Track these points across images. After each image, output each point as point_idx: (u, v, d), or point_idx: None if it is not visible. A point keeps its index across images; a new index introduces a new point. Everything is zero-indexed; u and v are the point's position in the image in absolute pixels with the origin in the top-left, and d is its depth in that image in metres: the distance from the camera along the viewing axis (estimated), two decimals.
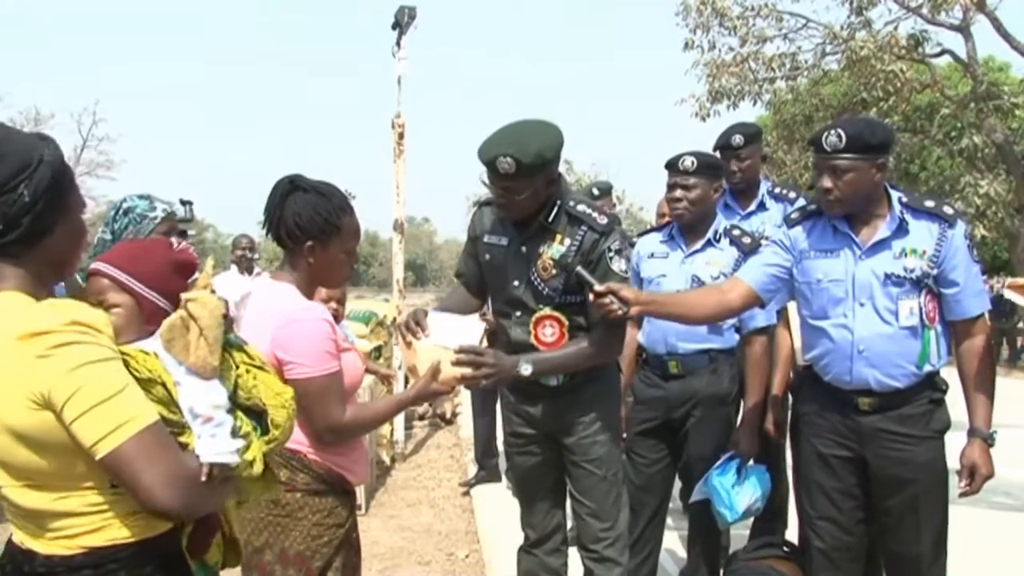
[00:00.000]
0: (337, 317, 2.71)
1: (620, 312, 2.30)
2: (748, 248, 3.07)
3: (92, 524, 1.31)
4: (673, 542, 4.24)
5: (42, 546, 1.32)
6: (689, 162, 3.05)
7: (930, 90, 13.81)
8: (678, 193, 3.07)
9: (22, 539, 1.34)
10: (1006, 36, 12.37)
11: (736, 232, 3.15)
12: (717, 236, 3.12)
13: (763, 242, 2.91)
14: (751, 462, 3.04)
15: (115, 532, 1.33)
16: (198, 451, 1.37)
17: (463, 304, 2.74)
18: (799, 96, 14.80)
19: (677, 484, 3.32)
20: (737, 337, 3.14)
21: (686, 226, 3.14)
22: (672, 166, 3.11)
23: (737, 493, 2.92)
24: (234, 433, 1.43)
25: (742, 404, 3.14)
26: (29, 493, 1.29)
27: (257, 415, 1.51)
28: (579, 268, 2.38)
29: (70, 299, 1.37)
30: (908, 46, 12.77)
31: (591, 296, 2.34)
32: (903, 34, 12.93)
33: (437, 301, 5.77)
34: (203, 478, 1.35)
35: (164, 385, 1.39)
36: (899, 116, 13.93)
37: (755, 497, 2.97)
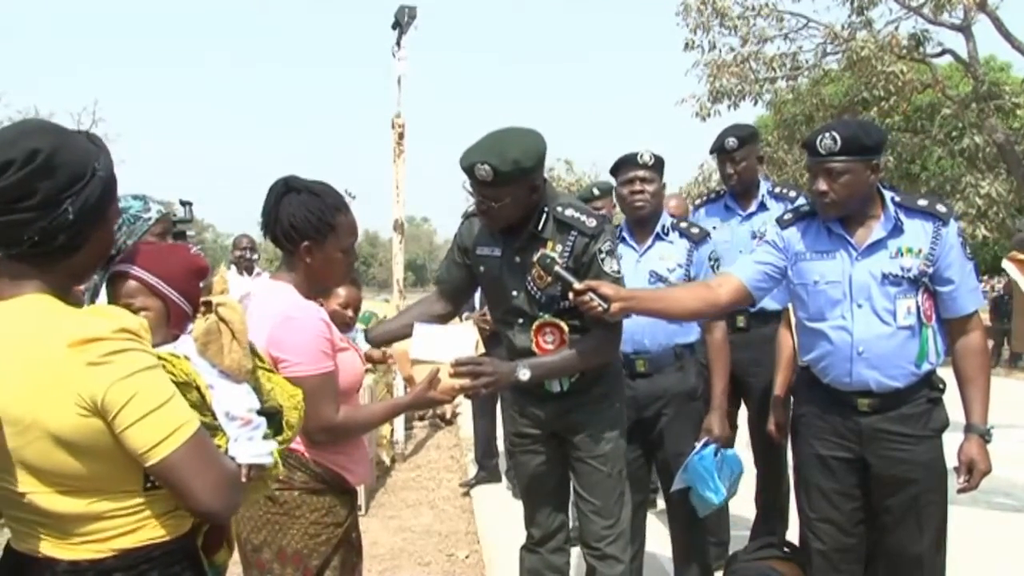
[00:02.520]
0: (349, 324, 2.70)
1: (600, 309, 2.30)
2: (697, 238, 3.16)
3: (126, 526, 1.31)
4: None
5: (66, 552, 1.29)
6: (648, 156, 3.11)
7: (931, 90, 13.82)
8: (638, 186, 3.12)
9: (37, 547, 1.31)
10: (1007, 36, 12.37)
11: (684, 224, 3.22)
12: (665, 230, 3.18)
13: (756, 243, 2.92)
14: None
15: (149, 533, 1.32)
16: (234, 453, 1.40)
17: (423, 318, 2.72)
18: (800, 96, 14.82)
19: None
20: (699, 330, 3.17)
21: (636, 224, 3.20)
22: (631, 161, 3.15)
23: (720, 476, 2.94)
24: (266, 435, 1.48)
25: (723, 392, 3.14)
26: (60, 498, 1.27)
27: (268, 416, 1.54)
28: (558, 268, 2.38)
29: (107, 305, 1.37)
30: (909, 46, 12.79)
31: (571, 295, 2.34)
32: (904, 34, 12.96)
33: None
34: (243, 479, 1.38)
35: (198, 389, 1.41)
36: (900, 116, 13.95)
37: (732, 479, 3.00)
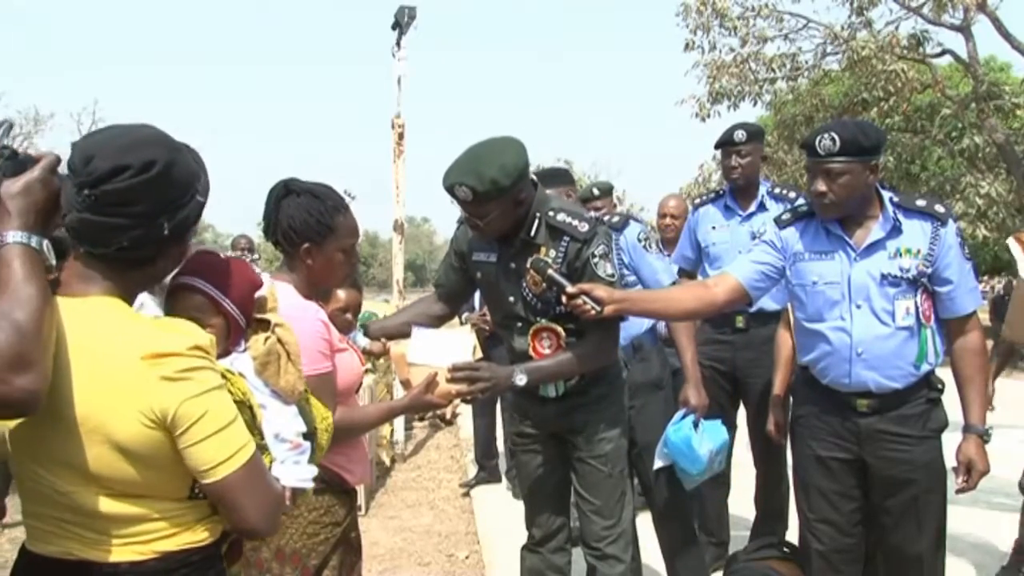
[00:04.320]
0: (348, 327, 2.71)
1: (593, 312, 2.31)
2: (618, 225, 3.15)
3: (167, 529, 1.31)
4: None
5: (104, 553, 1.29)
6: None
7: (931, 90, 13.80)
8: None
9: (70, 548, 1.29)
10: (1007, 36, 12.37)
11: (606, 218, 3.22)
12: None
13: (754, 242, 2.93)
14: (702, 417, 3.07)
15: (189, 537, 1.33)
16: (279, 475, 1.42)
17: (420, 318, 2.75)
18: (800, 96, 14.80)
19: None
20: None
21: None
22: None
23: (698, 445, 2.95)
24: (310, 459, 1.50)
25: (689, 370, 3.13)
26: (106, 500, 1.28)
27: (309, 438, 1.57)
28: (550, 271, 2.38)
29: (177, 318, 1.37)
30: (909, 46, 12.77)
31: (564, 298, 2.35)
32: (904, 34, 12.93)
33: None
34: (287, 502, 1.40)
35: (251, 409, 1.42)
36: (900, 116, 13.92)
37: (713, 449, 3.00)
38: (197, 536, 1.34)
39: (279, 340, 1.51)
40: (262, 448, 1.41)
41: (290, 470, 1.44)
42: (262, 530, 1.33)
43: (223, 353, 1.51)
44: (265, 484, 1.33)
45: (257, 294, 1.61)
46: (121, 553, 1.29)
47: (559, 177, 3.18)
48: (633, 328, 3.13)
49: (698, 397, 3.05)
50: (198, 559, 1.34)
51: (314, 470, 1.50)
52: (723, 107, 13.87)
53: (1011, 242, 2.88)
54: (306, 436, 1.54)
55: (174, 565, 1.31)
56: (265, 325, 1.55)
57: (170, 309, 1.50)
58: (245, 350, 1.55)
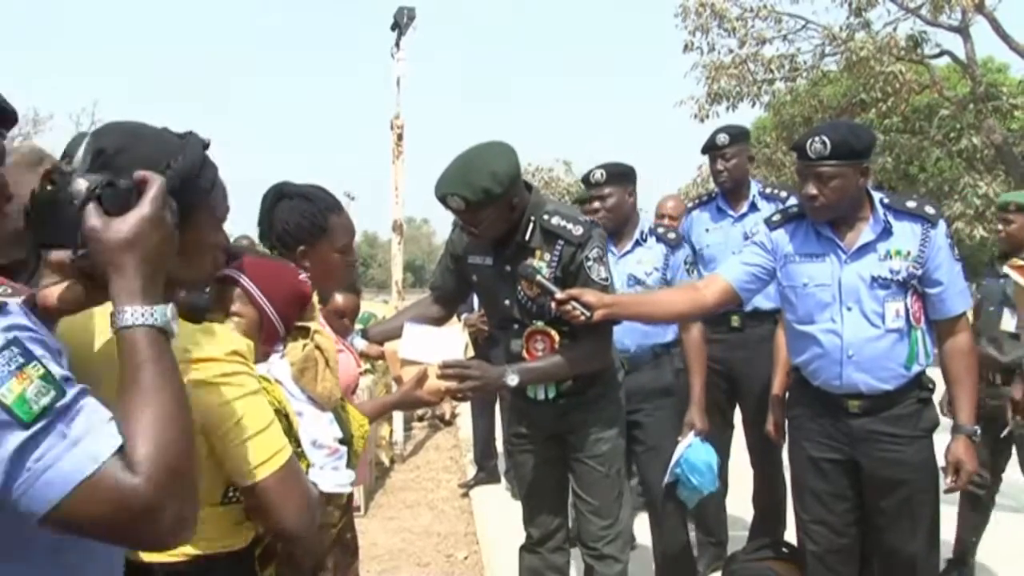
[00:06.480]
0: (345, 331, 2.72)
1: (583, 317, 2.31)
2: (674, 243, 3.28)
3: (200, 533, 1.28)
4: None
5: (139, 554, 1.29)
6: (599, 174, 3.22)
7: (929, 91, 13.81)
8: (595, 204, 3.23)
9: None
10: (1005, 37, 12.38)
11: (661, 230, 3.34)
12: (643, 236, 3.29)
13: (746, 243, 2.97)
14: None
15: (220, 541, 1.34)
16: (317, 480, 1.44)
17: (418, 320, 2.74)
18: (798, 97, 14.82)
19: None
20: (675, 330, 3.27)
21: (612, 232, 3.25)
22: (585, 181, 3.33)
23: (710, 466, 3.05)
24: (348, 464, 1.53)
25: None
26: None
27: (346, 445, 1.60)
28: (539, 278, 2.39)
29: (214, 323, 1.37)
30: (907, 47, 12.78)
31: (553, 304, 2.35)
32: (902, 35, 12.94)
33: None
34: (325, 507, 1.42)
35: (287, 416, 1.43)
36: (898, 117, 13.94)
37: (716, 468, 3.11)
38: (227, 541, 1.35)
39: (317, 347, 1.53)
40: (299, 455, 1.42)
41: (328, 475, 1.48)
42: (299, 532, 1.33)
43: (263, 356, 1.52)
44: (302, 487, 1.33)
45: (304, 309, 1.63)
46: (152, 554, 1.30)
47: (584, 183, 3.27)
48: (656, 336, 3.22)
49: (702, 422, 3.14)
50: (227, 563, 1.35)
51: (352, 475, 1.53)
52: (722, 108, 13.88)
53: (1009, 271, 2.93)
54: (342, 442, 1.56)
55: (203, 569, 1.33)
56: (304, 332, 1.57)
57: (214, 300, 1.54)
58: (283, 356, 1.57)
